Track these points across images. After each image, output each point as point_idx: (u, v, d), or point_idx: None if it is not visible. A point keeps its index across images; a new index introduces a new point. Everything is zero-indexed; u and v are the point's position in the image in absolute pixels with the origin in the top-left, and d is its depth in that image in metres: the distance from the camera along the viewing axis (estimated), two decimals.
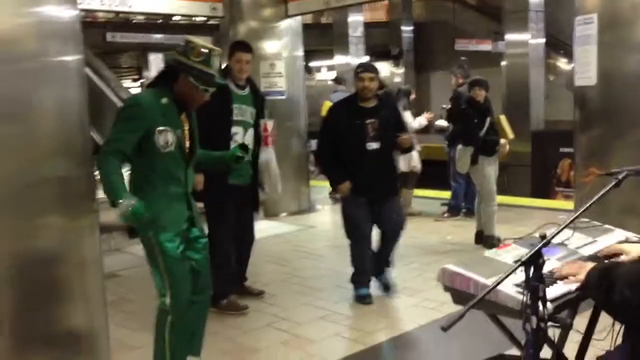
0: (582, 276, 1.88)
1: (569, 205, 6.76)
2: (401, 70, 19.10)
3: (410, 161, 7.17)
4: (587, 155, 4.68)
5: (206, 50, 2.88)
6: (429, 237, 6.33)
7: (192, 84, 2.88)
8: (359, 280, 4.45)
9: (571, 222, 1.93)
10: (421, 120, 7.32)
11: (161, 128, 2.82)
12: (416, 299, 4.46)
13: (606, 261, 2.01)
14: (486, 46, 16.91)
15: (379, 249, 4.56)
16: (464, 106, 5.97)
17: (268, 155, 4.48)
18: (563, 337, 2.27)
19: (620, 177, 1.92)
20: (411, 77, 18.24)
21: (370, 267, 4.48)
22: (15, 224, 1.96)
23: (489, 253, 2.20)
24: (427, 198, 8.03)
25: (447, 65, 15.76)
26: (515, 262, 1.82)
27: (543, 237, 1.84)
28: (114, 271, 5.17)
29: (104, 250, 3.85)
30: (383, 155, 4.30)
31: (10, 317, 1.94)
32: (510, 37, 11.72)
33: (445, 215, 7.18)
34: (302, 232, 6.89)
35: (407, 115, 7.15)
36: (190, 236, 3.06)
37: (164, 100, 2.87)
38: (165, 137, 2.84)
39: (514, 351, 2.34)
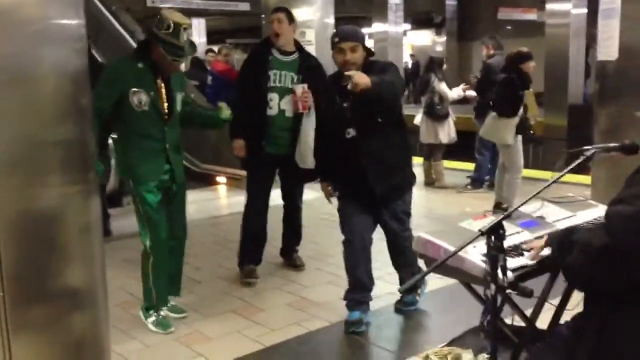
0: (542, 243, 1.95)
1: None
2: (443, 39, 18.83)
3: (449, 131, 7.17)
4: (605, 131, 4.63)
5: (173, 24, 3.21)
6: (448, 208, 6.38)
7: (162, 54, 3.27)
8: (349, 297, 3.58)
9: (537, 194, 1.99)
10: (459, 91, 7.28)
11: (135, 89, 3.28)
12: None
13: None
14: (531, 15, 16.49)
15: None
16: (512, 76, 5.89)
17: (304, 123, 4.10)
18: (537, 309, 2.34)
19: (588, 154, 1.96)
20: (453, 46, 18.01)
21: (367, 280, 3.57)
22: (18, 185, 2.05)
23: (465, 223, 2.27)
24: (453, 169, 8.03)
25: (491, 33, 15.48)
26: (478, 231, 1.90)
27: (505, 209, 1.91)
28: (133, 232, 5.39)
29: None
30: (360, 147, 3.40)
31: (12, 272, 2.06)
32: (551, 6, 11.40)
33: (468, 187, 7.18)
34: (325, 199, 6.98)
35: (443, 86, 7.14)
36: (172, 188, 3.53)
37: (140, 65, 3.32)
38: (139, 98, 3.29)
39: None
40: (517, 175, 5.81)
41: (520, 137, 5.90)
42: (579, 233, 1.80)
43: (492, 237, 1.86)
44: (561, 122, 11.02)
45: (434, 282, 4.00)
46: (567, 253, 1.77)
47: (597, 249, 1.64)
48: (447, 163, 7.76)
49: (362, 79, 3.05)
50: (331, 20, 8.09)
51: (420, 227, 5.58)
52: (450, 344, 2.63)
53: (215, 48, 11.66)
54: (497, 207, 5.83)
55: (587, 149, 1.98)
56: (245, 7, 14.20)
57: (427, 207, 6.48)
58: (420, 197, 7.02)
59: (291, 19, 4.26)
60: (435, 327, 3.67)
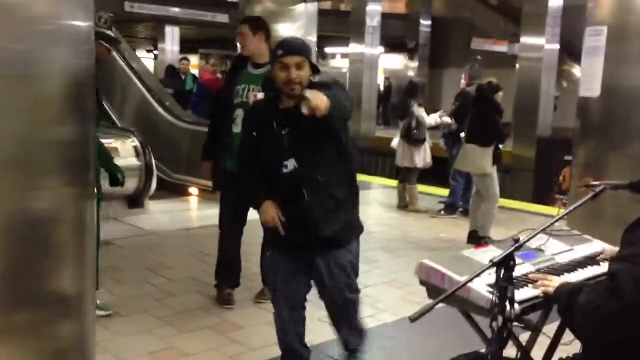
0: (551, 289, 1.95)
1: None
2: (415, 64, 19.09)
3: (425, 156, 7.23)
4: (584, 165, 4.74)
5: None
6: (422, 232, 6.40)
7: None
8: None
9: (545, 228, 2.00)
10: (436, 118, 7.36)
11: None
12: (403, 292, 4.54)
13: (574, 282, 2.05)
14: (502, 47, 16.90)
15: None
16: (493, 105, 5.97)
17: None
18: (532, 340, 2.35)
19: (597, 190, 1.98)
20: (425, 72, 18.23)
21: (299, 347, 3.02)
22: (14, 184, 1.99)
23: (467, 252, 2.27)
24: (425, 194, 8.09)
25: (461, 62, 15.79)
26: (488, 262, 1.89)
27: (516, 240, 1.91)
28: (109, 239, 5.26)
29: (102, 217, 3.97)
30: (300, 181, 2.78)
31: (1, 272, 1.99)
32: (525, 40, 11.70)
33: (442, 212, 7.24)
34: None
35: (422, 111, 7.21)
36: None
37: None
38: None
39: None
40: (494, 204, 5.88)
41: (495, 166, 5.99)
42: (584, 295, 1.79)
43: (502, 268, 1.86)
44: (529, 153, 11.25)
45: (402, 307, 3.99)
46: (571, 311, 1.79)
47: (605, 313, 1.65)
48: (420, 187, 7.81)
49: (322, 101, 2.46)
50: (313, 38, 8.13)
51: (397, 250, 5.72)
52: None
53: (192, 57, 11.60)
54: (472, 236, 5.88)
55: (596, 185, 2.00)
56: (224, 18, 14.16)
57: (401, 230, 6.50)
58: (394, 220, 7.06)
59: (256, 28, 3.98)
60: (421, 353, 3.63)
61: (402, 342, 3.75)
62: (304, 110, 2.50)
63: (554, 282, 1.97)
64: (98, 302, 3.65)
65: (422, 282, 2.21)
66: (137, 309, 4.00)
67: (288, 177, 2.75)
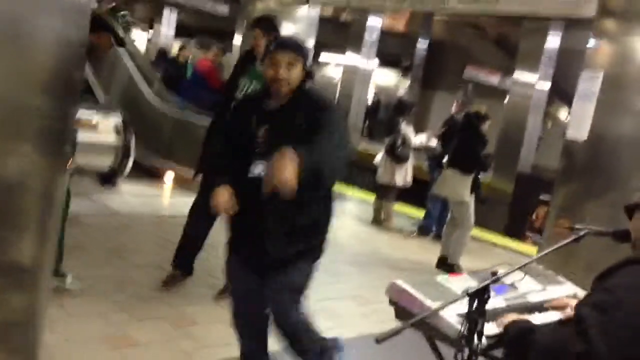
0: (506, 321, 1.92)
1: (534, 251, 6.83)
2: (407, 83, 19.15)
3: (406, 175, 7.21)
4: (562, 206, 4.75)
5: None
6: (394, 251, 6.37)
7: None
8: None
9: (524, 266, 1.97)
10: (422, 139, 7.36)
11: None
12: (365, 309, 4.49)
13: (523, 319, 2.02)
14: (495, 79, 17.03)
15: None
16: (476, 134, 5.99)
17: None
18: None
19: (580, 233, 1.95)
20: (416, 91, 18.29)
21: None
22: None
23: (441, 278, 2.22)
24: (401, 214, 8.07)
25: (453, 87, 15.87)
26: (463, 292, 1.85)
27: (494, 274, 1.87)
28: (76, 215, 5.12)
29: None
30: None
31: None
32: (518, 75, 11.79)
33: (414, 234, 7.22)
34: None
35: (409, 131, 7.21)
36: None
37: None
38: None
39: None
40: (468, 232, 5.88)
41: (473, 195, 5.99)
42: (540, 333, 1.78)
43: (476, 300, 1.81)
44: (508, 187, 11.30)
45: (362, 324, 3.93)
46: (523, 350, 1.77)
47: (568, 352, 1.63)
48: (397, 206, 7.79)
49: (288, 176, 2.15)
50: (311, 43, 8.07)
51: (366, 265, 5.66)
52: None
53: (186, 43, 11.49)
54: (442, 262, 5.86)
55: (579, 228, 1.97)
56: (223, 10, 14.06)
57: (372, 246, 6.46)
58: (366, 235, 7.03)
59: (268, 29, 4.00)
60: None
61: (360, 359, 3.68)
62: (265, 189, 2.27)
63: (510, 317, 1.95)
64: (69, 277, 3.68)
65: (391, 302, 2.16)
66: (96, 290, 3.88)
67: (250, 182, 2.48)
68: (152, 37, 21.21)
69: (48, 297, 2.40)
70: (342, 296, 4.70)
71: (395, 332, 1.68)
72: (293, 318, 2.65)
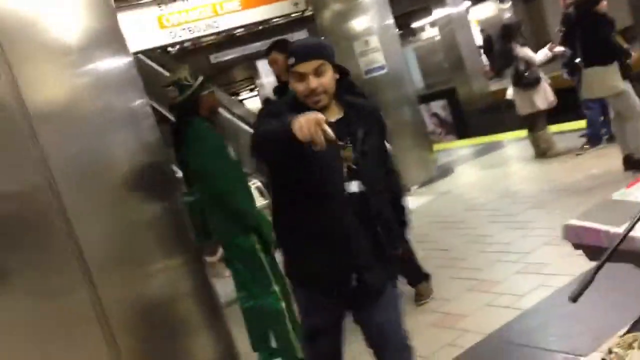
0: None
1: None
2: (508, 5, 17.97)
3: (546, 96, 6.67)
4: None
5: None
6: (572, 175, 5.84)
7: None
8: None
9: None
10: (545, 52, 6.77)
11: None
12: (569, 249, 4.09)
13: None
14: None
15: None
16: (598, 21, 5.36)
17: None
18: None
19: None
20: (520, 8, 17.06)
21: None
22: (123, 273, 2.01)
23: (617, 194, 1.92)
24: (561, 133, 7.45)
25: None
26: None
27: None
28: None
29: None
30: (367, 207, 2.17)
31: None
32: None
33: (586, 147, 6.58)
34: (435, 201, 6.67)
35: (527, 51, 6.68)
36: None
37: None
38: None
39: None
40: (639, 120, 5.22)
41: (627, 80, 5.33)
42: None
43: None
44: None
45: (572, 267, 3.55)
46: None
47: None
48: (553, 127, 7.20)
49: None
50: (390, 20, 7.81)
51: (548, 204, 5.22)
52: (631, 330, 2.24)
53: None
54: (628, 161, 5.24)
55: None
56: (303, 35, 14.20)
57: (549, 180, 5.98)
58: (537, 170, 6.56)
59: (284, 49, 3.52)
60: (593, 319, 3.14)
61: (567, 314, 3.28)
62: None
63: None
64: None
65: (576, 246, 1.90)
66: None
67: (347, 201, 2.14)
68: (259, 90, 22.05)
69: None
70: (538, 245, 4.35)
71: (587, 284, 1.44)
72: (407, 342, 2.37)
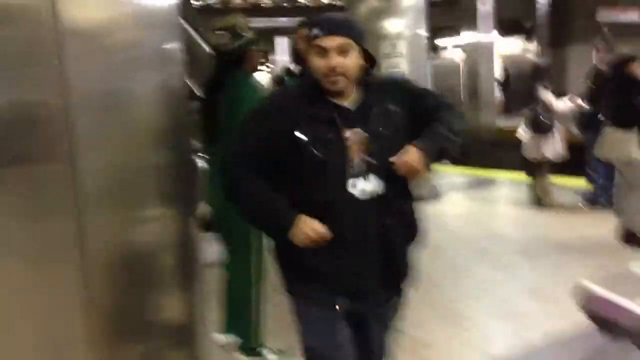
0: None
1: None
2: (534, 46, 17.95)
3: (556, 146, 6.58)
4: None
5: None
6: (563, 232, 5.75)
7: None
8: None
9: None
10: (566, 102, 6.69)
11: None
12: (546, 305, 4.00)
13: None
14: (633, 15, 15.39)
15: None
16: (621, 82, 5.30)
17: None
18: None
19: None
20: (546, 52, 17.05)
21: None
22: (115, 213, 1.88)
23: (635, 265, 1.82)
24: (560, 187, 7.38)
25: (586, 37, 14.51)
26: None
27: None
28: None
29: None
30: (390, 207, 1.97)
31: (106, 309, 1.89)
32: None
33: (581, 205, 6.52)
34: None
35: (549, 96, 6.59)
36: None
37: None
38: None
39: None
40: None
41: None
42: None
43: None
44: None
45: (551, 324, 3.47)
46: None
47: None
48: (555, 180, 7.13)
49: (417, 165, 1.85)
50: (423, 31, 7.69)
51: (536, 254, 5.14)
52: None
53: None
54: (628, 235, 5.15)
55: None
56: None
57: (538, 229, 5.92)
58: (529, 217, 6.48)
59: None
60: None
61: None
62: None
63: None
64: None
65: (587, 312, 1.80)
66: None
67: (362, 203, 1.92)
68: (272, 67, 21.85)
69: (205, 352, 2.34)
70: (518, 293, 4.26)
71: None
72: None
